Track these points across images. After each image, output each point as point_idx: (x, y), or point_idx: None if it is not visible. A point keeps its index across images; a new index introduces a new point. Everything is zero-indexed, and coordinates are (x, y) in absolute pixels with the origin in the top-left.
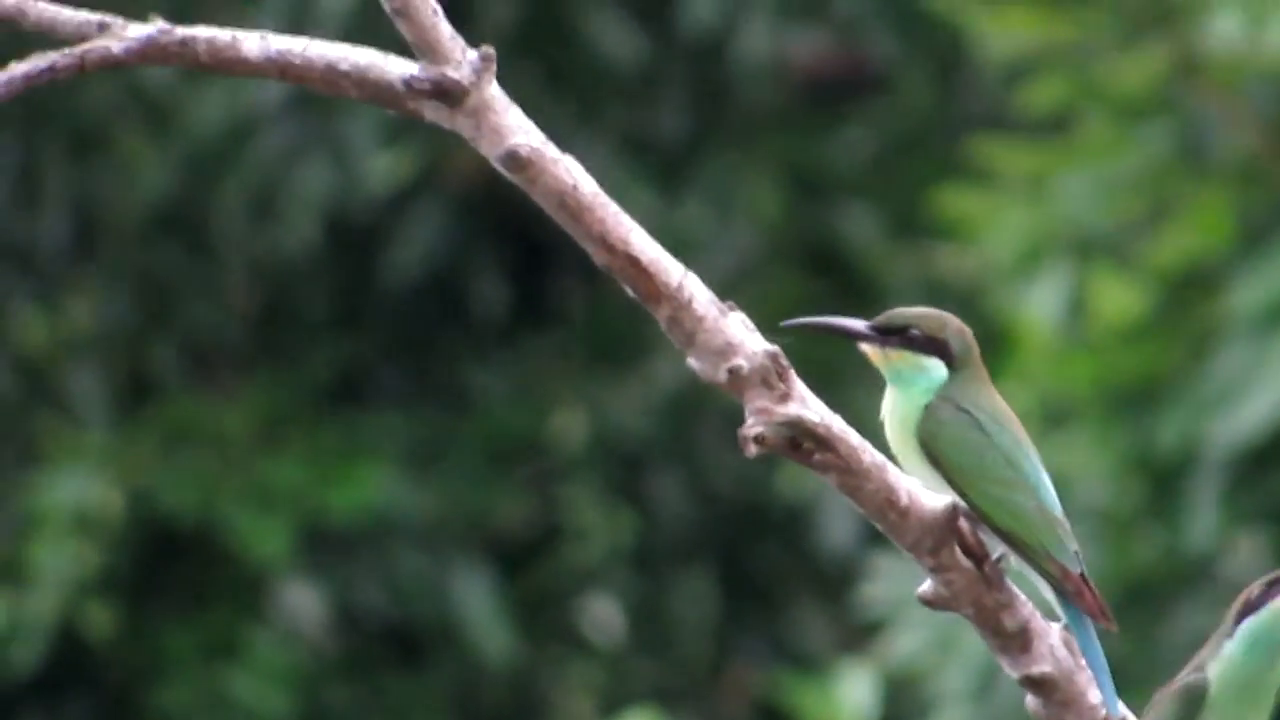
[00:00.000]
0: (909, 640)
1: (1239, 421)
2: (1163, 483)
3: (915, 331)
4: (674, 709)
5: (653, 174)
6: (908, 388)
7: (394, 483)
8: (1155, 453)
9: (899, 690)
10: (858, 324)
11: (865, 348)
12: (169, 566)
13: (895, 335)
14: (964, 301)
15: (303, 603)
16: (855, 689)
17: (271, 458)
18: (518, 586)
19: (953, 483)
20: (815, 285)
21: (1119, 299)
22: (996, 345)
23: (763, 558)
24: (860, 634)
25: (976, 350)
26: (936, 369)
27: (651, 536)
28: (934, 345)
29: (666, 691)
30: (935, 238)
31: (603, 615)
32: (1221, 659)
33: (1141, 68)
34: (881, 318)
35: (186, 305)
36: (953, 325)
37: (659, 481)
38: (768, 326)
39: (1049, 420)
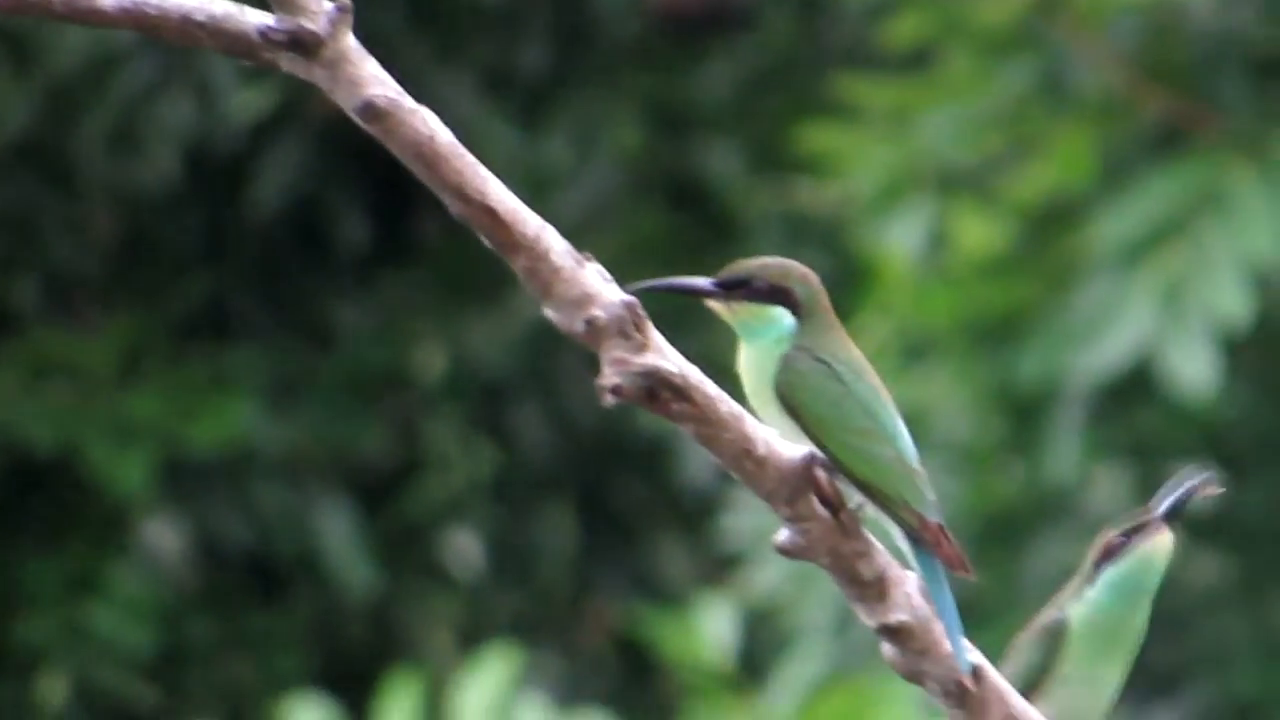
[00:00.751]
0: (769, 575)
1: (1100, 356)
2: (1023, 417)
3: (758, 283)
4: (534, 642)
5: (514, 111)
6: (758, 340)
7: (255, 416)
8: (1016, 387)
9: (759, 624)
10: (702, 282)
11: (711, 304)
12: (29, 499)
13: (739, 289)
14: (826, 236)
15: (163, 536)
16: (715, 622)
17: (132, 391)
18: (378, 520)
19: (811, 433)
20: (677, 220)
21: (980, 233)
22: (858, 280)
23: (623, 491)
24: (720, 567)
25: (825, 297)
26: (784, 318)
27: (511, 469)
28: (778, 295)
29: (526, 624)
30: (797, 173)
31: (463, 548)
32: (1083, 604)
33: (1003, 4)
34: (724, 272)
35: (47, 239)
36: (795, 272)
37: (519, 415)
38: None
39: (909, 354)
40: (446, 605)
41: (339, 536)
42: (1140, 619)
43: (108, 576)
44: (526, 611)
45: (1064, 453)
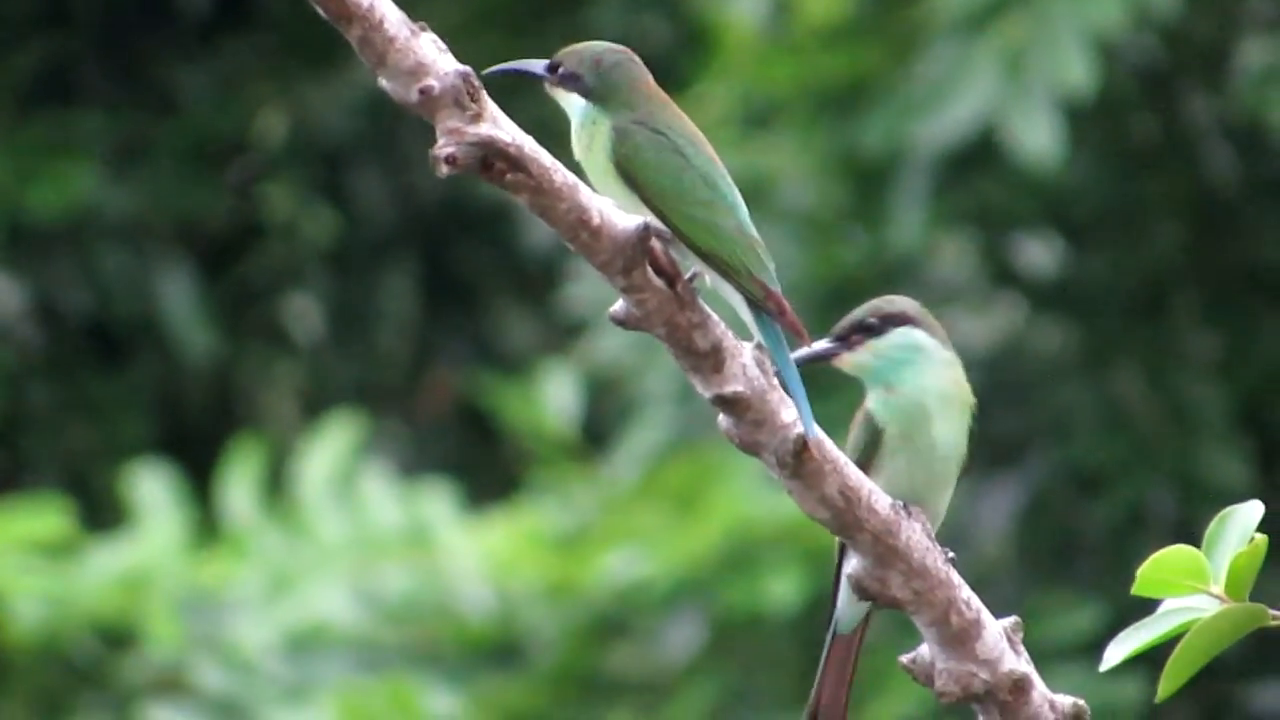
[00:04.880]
0: (611, 343)
1: (943, 124)
2: (867, 185)
3: (562, 68)
4: (376, 409)
5: None
6: (575, 117)
7: (97, 181)
8: (859, 155)
9: (601, 392)
10: (538, 65)
11: (546, 88)
12: None
13: (554, 72)
14: (668, 2)
15: (4, 300)
16: (557, 391)
17: None
18: (219, 285)
19: (653, 205)
20: None
21: (824, 1)
22: (700, 47)
23: (465, 258)
24: (563, 335)
25: (645, 74)
26: (577, 102)
27: (352, 236)
28: (569, 79)
29: (368, 391)
30: None
31: (304, 314)
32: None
33: None
34: (556, 55)
35: None
36: (589, 57)
37: (360, 180)
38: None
39: (752, 122)
40: (288, 371)
41: (180, 301)
42: (930, 382)
43: None
44: (368, 378)
45: (908, 221)
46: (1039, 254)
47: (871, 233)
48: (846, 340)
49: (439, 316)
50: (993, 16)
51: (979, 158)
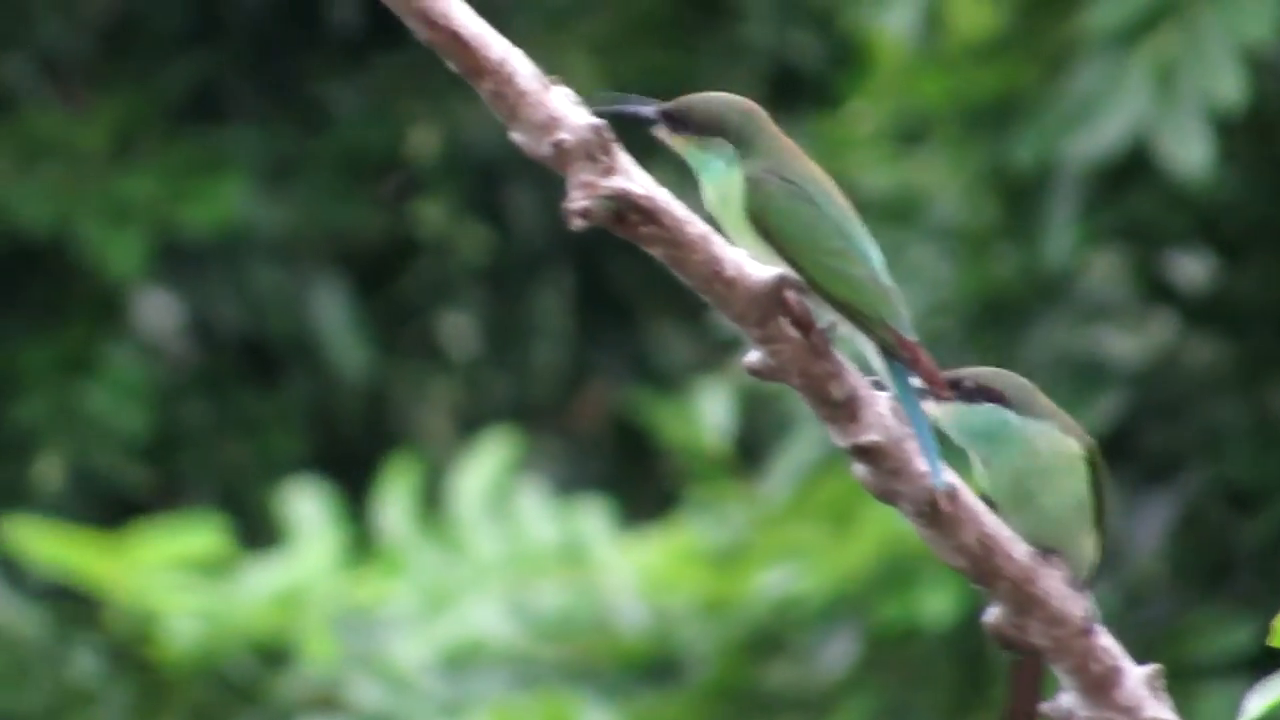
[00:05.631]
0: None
1: (1094, 139)
2: (1018, 200)
3: (695, 116)
4: (531, 426)
5: None
6: (706, 170)
7: (249, 197)
8: (1010, 170)
9: (756, 409)
10: (648, 109)
11: (656, 133)
12: (22, 281)
13: (676, 121)
14: (819, 17)
15: (158, 317)
16: (712, 407)
17: (126, 172)
18: (374, 302)
19: (786, 256)
20: (669, 4)
21: (975, 14)
22: (852, 62)
23: (620, 273)
24: (718, 352)
25: (770, 124)
26: (721, 148)
27: (507, 252)
28: (711, 127)
29: (523, 408)
30: None
31: (458, 331)
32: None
33: None
34: (671, 103)
35: (37, 17)
36: (716, 109)
37: (514, 195)
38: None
39: (903, 138)
40: (443, 388)
41: (334, 318)
42: (1021, 464)
43: (102, 358)
44: (523, 395)
45: (1058, 237)
46: (1192, 269)
47: (1023, 249)
48: (939, 390)
49: (594, 333)
50: (1144, 30)
51: (1131, 172)
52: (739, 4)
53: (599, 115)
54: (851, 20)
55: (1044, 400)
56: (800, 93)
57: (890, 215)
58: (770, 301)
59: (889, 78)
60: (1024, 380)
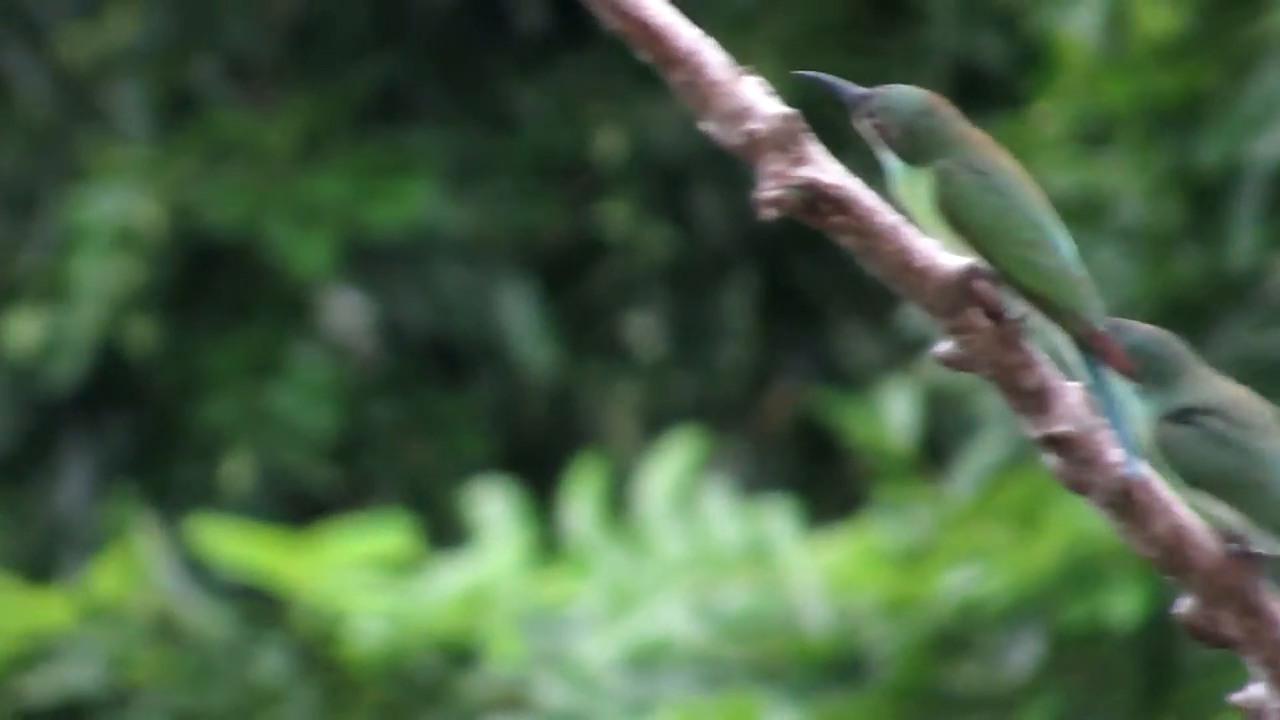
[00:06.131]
0: None
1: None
2: (1203, 201)
3: (875, 108)
4: (716, 426)
5: None
6: (889, 159)
7: (435, 198)
8: (1195, 171)
9: (941, 409)
10: (852, 90)
11: (856, 118)
12: (211, 281)
13: (865, 110)
14: (1004, 21)
15: (346, 317)
16: (898, 407)
17: (312, 173)
18: (560, 302)
19: (977, 246)
20: (852, 3)
21: (1160, 15)
22: (1037, 64)
23: (805, 272)
24: (904, 351)
25: (954, 118)
26: (892, 146)
27: (691, 252)
28: (887, 122)
29: (708, 408)
30: None
31: (644, 331)
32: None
33: None
34: (871, 90)
35: (226, 17)
36: (904, 101)
37: (699, 196)
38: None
39: (1088, 139)
40: (628, 389)
41: (520, 318)
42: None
43: (290, 359)
44: (707, 395)
45: (1243, 238)
46: None
47: (1207, 250)
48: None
49: (779, 332)
50: None
51: None
52: (922, 6)
53: (811, 80)
54: (1035, 22)
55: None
56: (984, 95)
57: (1074, 217)
58: (961, 291)
59: (1073, 79)
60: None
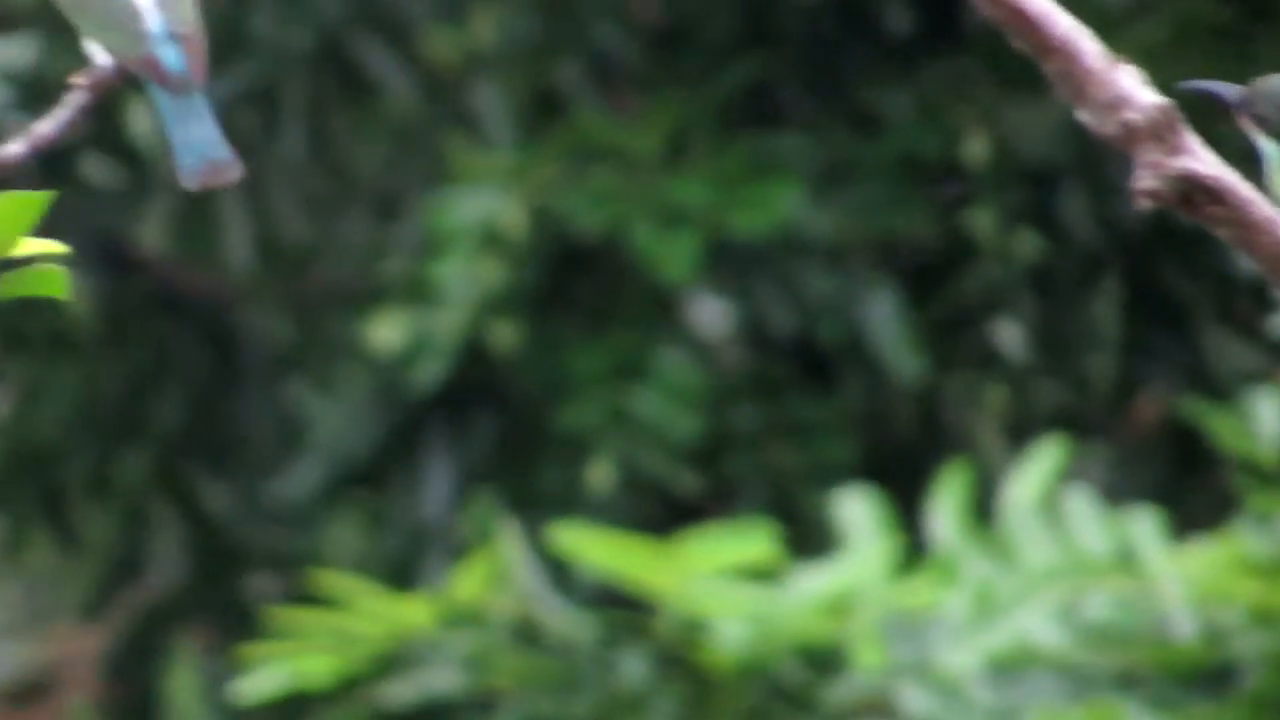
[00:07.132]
0: None
1: None
2: None
3: (1254, 101)
4: (1081, 434)
5: None
6: (1267, 153)
7: (801, 202)
8: None
9: None
10: (1231, 93)
11: (1239, 118)
12: (574, 284)
13: (1245, 108)
14: None
15: (710, 320)
16: (1269, 415)
17: (677, 176)
18: (925, 307)
19: None
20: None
21: None
22: None
23: (1173, 279)
24: (1275, 358)
25: None
26: (1267, 141)
27: (1057, 257)
28: (1263, 114)
29: (1073, 416)
30: None
31: (1009, 338)
32: None
33: None
34: (1250, 90)
35: (590, 20)
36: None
37: (1065, 201)
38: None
39: None
40: (994, 396)
41: (885, 323)
42: None
43: (654, 362)
44: (1071, 403)
45: None
46: None
47: None
48: None
49: (1146, 339)
50: None
51: None
52: None
53: (1185, 90)
54: None
55: None
56: None
57: None
58: None
59: None
60: None
